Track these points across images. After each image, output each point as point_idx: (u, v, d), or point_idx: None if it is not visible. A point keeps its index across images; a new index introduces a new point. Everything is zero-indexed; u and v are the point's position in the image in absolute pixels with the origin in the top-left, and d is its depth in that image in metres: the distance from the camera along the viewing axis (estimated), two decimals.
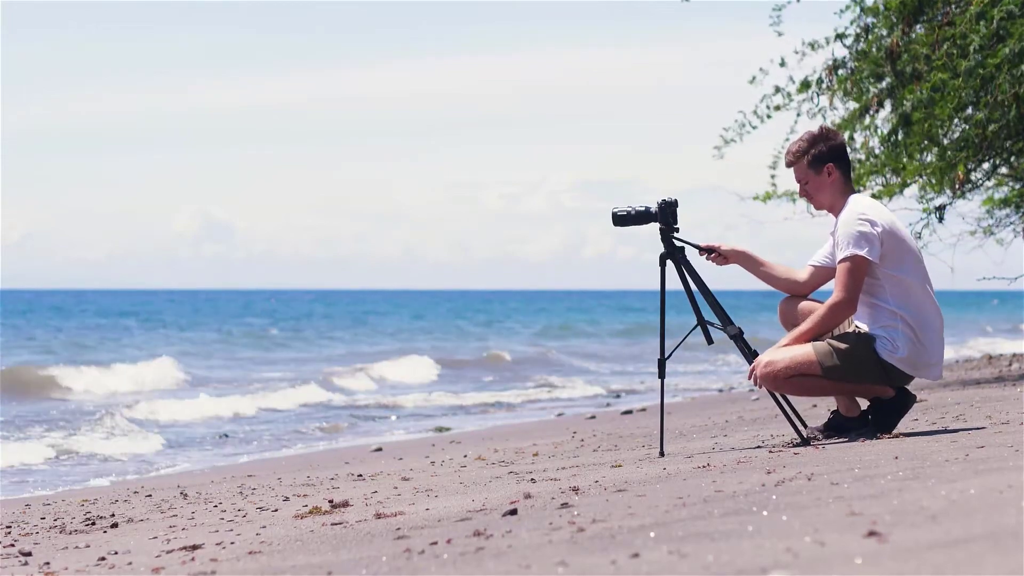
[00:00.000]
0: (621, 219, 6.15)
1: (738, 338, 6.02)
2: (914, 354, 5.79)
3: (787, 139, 11.48)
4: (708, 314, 6.12)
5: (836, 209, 5.88)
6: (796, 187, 6.06)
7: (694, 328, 6.12)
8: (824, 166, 5.86)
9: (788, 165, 5.99)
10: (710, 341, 6.26)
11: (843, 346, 5.77)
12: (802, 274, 6.04)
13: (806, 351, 5.78)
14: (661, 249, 6.13)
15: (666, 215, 6.10)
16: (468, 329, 50.56)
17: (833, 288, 5.81)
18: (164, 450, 12.10)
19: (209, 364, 27.32)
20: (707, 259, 6.12)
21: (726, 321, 6.03)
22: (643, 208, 6.11)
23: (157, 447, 12.24)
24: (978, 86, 9.79)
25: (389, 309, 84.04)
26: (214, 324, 51.79)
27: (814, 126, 6.25)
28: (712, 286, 6.11)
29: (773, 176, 11.71)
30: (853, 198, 5.86)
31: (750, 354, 6.01)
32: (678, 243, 6.14)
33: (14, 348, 32.20)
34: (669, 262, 6.14)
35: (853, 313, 5.79)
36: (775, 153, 11.59)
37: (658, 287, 6.13)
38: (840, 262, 5.76)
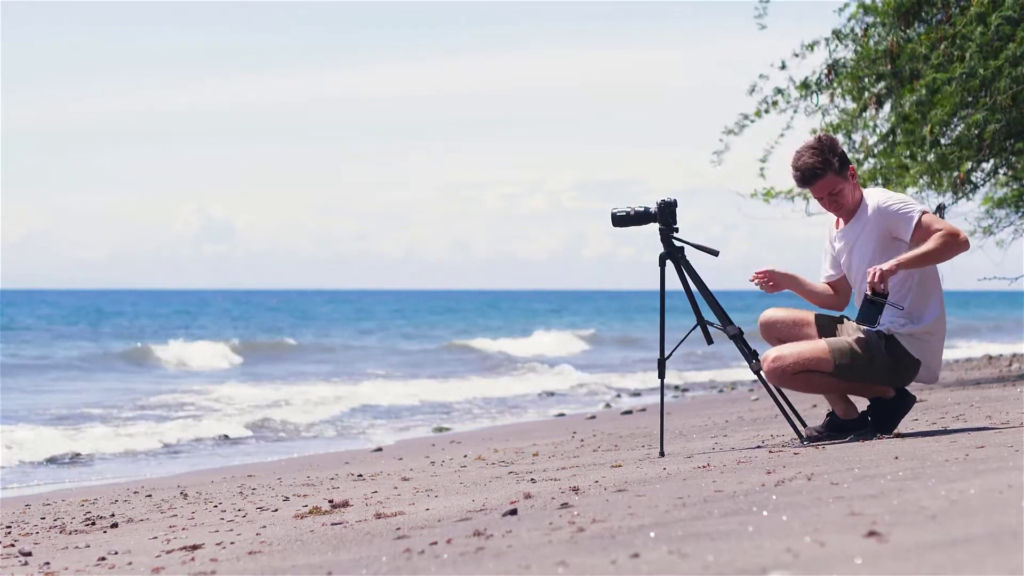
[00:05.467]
0: (621, 219, 6.15)
1: (738, 338, 6.02)
2: (938, 349, 5.82)
3: (782, 134, 11.46)
4: (708, 314, 6.12)
5: (858, 204, 5.86)
6: (793, 187, 6.04)
7: (694, 328, 6.13)
8: (848, 168, 5.83)
9: (810, 181, 5.78)
10: (710, 341, 6.26)
11: (859, 348, 5.75)
12: (831, 290, 6.05)
13: (819, 348, 5.76)
14: (661, 249, 6.13)
15: (665, 215, 6.10)
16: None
17: (919, 247, 5.62)
18: None
19: None
20: (756, 285, 6.04)
21: (726, 321, 6.04)
22: (643, 208, 6.12)
23: None
24: (977, 87, 9.79)
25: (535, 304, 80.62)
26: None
27: (806, 125, 6.26)
28: (711, 286, 6.12)
29: (762, 171, 11.66)
30: (867, 189, 5.88)
31: (750, 354, 6.02)
32: (678, 243, 6.14)
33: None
34: (669, 262, 6.14)
35: (967, 248, 5.65)
36: (767, 150, 11.53)
37: (658, 287, 6.13)
38: (920, 222, 5.63)
